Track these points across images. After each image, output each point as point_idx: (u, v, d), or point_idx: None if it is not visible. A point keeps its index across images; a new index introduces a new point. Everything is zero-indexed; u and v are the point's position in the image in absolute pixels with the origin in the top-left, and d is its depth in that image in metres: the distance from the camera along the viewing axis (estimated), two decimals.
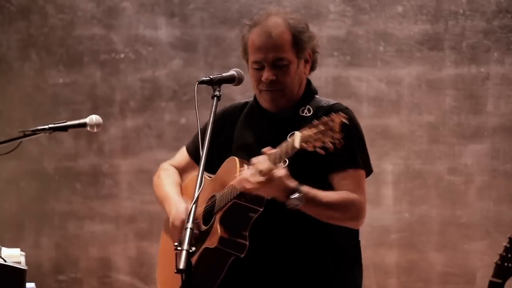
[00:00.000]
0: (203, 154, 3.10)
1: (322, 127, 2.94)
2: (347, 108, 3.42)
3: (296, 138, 2.98)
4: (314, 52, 3.48)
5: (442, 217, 5.94)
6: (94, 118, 3.95)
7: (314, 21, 5.99)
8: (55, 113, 6.16)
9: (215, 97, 3.30)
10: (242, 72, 3.41)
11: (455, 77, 5.96)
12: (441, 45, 5.97)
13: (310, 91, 3.48)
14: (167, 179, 3.71)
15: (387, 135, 5.97)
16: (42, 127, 3.90)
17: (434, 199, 5.95)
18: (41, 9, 6.22)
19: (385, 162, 5.94)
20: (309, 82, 3.50)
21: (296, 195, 3.14)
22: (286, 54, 3.37)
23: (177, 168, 3.75)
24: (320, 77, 5.91)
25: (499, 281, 2.88)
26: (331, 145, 2.92)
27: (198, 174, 3.04)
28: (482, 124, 5.93)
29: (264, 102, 3.45)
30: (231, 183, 3.27)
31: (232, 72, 3.41)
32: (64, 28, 6.22)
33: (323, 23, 6.02)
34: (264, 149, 3.15)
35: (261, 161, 3.11)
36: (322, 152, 2.94)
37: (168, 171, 3.75)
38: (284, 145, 3.07)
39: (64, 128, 3.92)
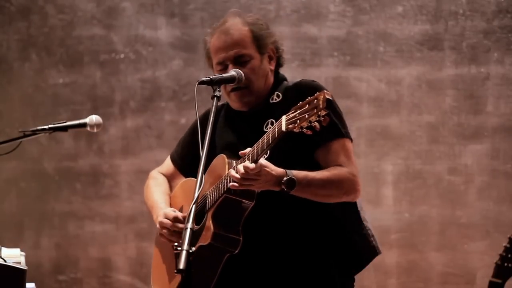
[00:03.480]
0: (203, 154, 3.11)
1: (306, 106, 2.93)
2: (314, 80, 3.43)
3: (283, 122, 2.98)
4: (277, 49, 3.49)
5: (442, 217, 5.94)
6: (94, 118, 3.95)
7: (314, 21, 5.99)
8: (55, 113, 6.16)
9: (215, 97, 3.31)
10: (241, 73, 3.42)
11: (455, 77, 5.96)
12: (441, 45, 5.97)
13: (278, 81, 3.49)
14: (155, 187, 3.74)
15: (387, 135, 5.97)
16: (42, 127, 3.91)
17: (434, 199, 5.95)
18: (41, 9, 6.22)
19: (385, 162, 5.94)
20: (276, 73, 3.51)
21: (286, 178, 3.14)
22: (247, 50, 3.40)
23: (165, 176, 3.78)
24: (320, 77, 5.91)
25: (499, 281, 2.87)
26: (317, 124, 2.90)
27: (197, 177, 3.04)
28: (482, 124, 5.93)
29: (234, 104, 3.47)
30: (220, 179, 3.28)
31: (232, 72, 3.41)
32: (64, 28, 6.22)
33: (323, 23, 6.02)
34: (240, 152, 3.18)
35: (246, 165, 3.11)
36: (309, 132, 2.92)
37: (157, 179, 3.78)
38: (269, 132, 3.07)
39: (64, 128, 3.93)
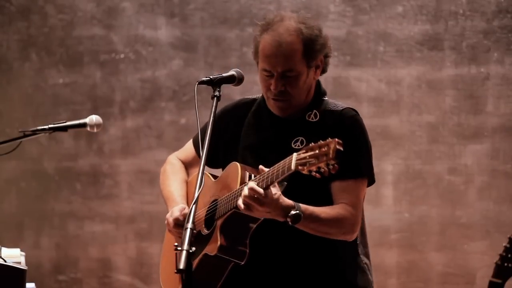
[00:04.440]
0: (203, 155, 3.10)
1: (317, 151, 2.91)
2: (356, 114, 3.38)
3: (293, 160, 2.97)
4: (326, 56, 3.41)
5: (442, 217, 5.94)
6: (94, 118, 3.95)
7: None
8: (55, 113, 6.16)
9: (215, 97, 3.29)
10: (242, 72, 3.40)
11: (455, 77, 5.96)
12: (441, 45, 5.97)
13: (319, 94, 3.44)
14: (172, 175, 3.69)
15: (387, 135, 5.97)
16: (42, 127, 3.90)
17: (434, 199, 5.95)
18: (41, 9, 6.22)
19: (385, 162, 5.94)
20: (318, 85, 3.46)
21: (294, 212, 3.13)
22: (295, 65, 3.31)
23: (184, 162, 3.73)
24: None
25: (499, 281, 2.87)
26: (326, 169, 2.89)
27: (197, 177, 3.04)
28: (482, 124, 5.93)
29: (271, 108, 3.43)
30: (232, 192, 3.27)
31: (232, 72, 3.39)
32: (64, 28, 6.22)
33: (323, 23, 6.01)
34: (260, 167, 3.14)
35: (254, 186, 3.10)
36: (317, 176, 2.91)
37: (175, 166, 3.73)
38: (280, 166, 3.05)
39: (64, 128, 3.93)
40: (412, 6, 5.98)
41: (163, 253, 3.75)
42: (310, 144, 2.94)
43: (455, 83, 5.96)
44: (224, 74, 3.37)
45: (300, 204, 3.17)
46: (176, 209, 3.47)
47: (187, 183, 3.68)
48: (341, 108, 3.38)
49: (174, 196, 3.61)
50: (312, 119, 3.37)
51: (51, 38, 6.23)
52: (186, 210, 3.45)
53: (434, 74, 5.98)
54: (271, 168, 3.09)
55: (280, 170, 3.04)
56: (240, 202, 3.13)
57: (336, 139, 2.89)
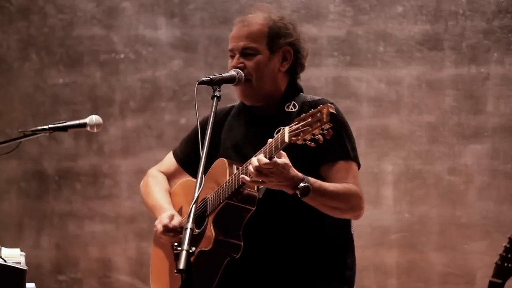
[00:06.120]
0: (203, 154, 3.10)
1: (310, 119, 2.93)
2: (332, 103, 3.41)
3: (286, 133, 2.97)
4: (296, 52, 3.44)
5: (442, 217, 5.94)
6: (94, 118, 3.95)
7: (314, 21, 5.99)
8: (55, 113, 6.16)
9: (215, 98, 3.30)
10: (242, 73, 3.41)
11: (455, 77, 5.96)
12: (441, 45, 5.97)
13: (294, 89, 3.47)
14: (155, 186, 3.71)
15: (387, 135, 5.97)
16: (42, 127, 3.90)
17: (434, 199, 5.95)
18: (41, 9, 6.22)
19: (385, 162, 5.94)
20: (293, 80, 3.48)
21: (303, 184, 3.12)
22: (256, 43, 3.38)
23: (165, 174, 3.75)
24: (320, 77, 5.91)
25: (499, 281, 2.87)
26: (320, 136, 2.91)
27: (197, 177, 3.04)
28: (482, 124, 5.93)
29: (238, 95, 3.47)
30: (221, 185, 3.28)
31: (232, 72, 3.41)
32: (64, 28, 6.22)
33: (323, 23, 6.02)
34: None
35: (259, 158, 3.09)
36: (312, 144, 2.93)
37: (156, 178, 3.75)
38: (272, 142, 3.05)
39: (64, 128, 3.93)
40: (412, 6, 5.98)
41: (153, 253, 3.73)
42: (302, 115, 2.96)
43: (455, 83, 5.96)
44: (224, 74, 3.39)
45: (309, 177, 3.16)
46: (165, 216, 3.48)
47: (170, 192, 3.69)
48: (318, 99, 3.42)
49: (160, 203, 3.62)
50: (291, 109, 3.40)
51: (51, 38, 6.23)
52: (176, 217, 3.46)
53: (434, 74, 5.98)
54: (263, 148, 3.09)
55: (273, 146, 3.04)
56: (248, 178, 3.10)
57: (328, 104, 2.94)
